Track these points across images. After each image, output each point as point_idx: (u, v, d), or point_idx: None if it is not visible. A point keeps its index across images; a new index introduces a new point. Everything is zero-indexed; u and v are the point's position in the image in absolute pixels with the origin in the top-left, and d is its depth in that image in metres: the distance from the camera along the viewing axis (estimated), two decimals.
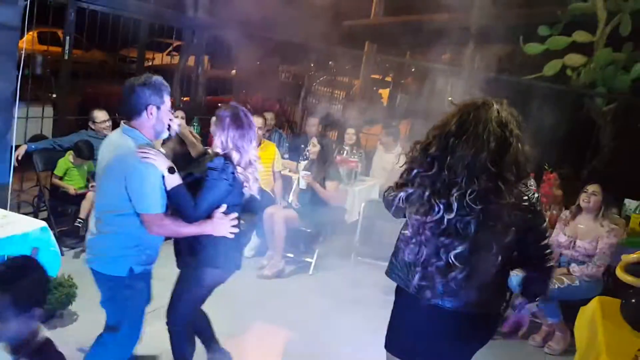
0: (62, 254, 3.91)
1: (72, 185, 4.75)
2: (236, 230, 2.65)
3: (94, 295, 3.64)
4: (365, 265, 4.94)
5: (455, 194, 1.85)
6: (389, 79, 13.40)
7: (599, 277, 4.06)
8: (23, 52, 4.07)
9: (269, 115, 6.19)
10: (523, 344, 4.18)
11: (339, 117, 7.11)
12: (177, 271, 2.84)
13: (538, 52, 6.83)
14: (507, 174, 1.86)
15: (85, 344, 3.25)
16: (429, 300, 2.01)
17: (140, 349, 2.81)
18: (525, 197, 2.00)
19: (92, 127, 5.07)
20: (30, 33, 4.52)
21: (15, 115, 3.98)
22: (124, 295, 2.53)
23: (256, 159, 2.77)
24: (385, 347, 2.27)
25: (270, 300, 4.24)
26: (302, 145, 5.99)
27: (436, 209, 1.89)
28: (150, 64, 7.13)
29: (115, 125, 5.30)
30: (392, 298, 2.27)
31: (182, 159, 2.96)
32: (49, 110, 5.67)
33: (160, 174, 2.41)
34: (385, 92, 13.27)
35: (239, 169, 2.65)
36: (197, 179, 2.64)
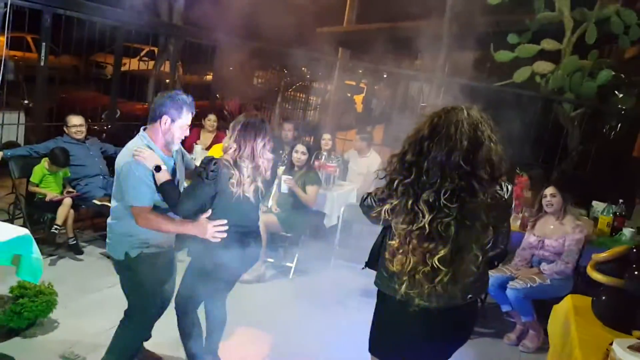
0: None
1: (49, 191, 4.73)
2: (223, 235, 2.74)
3: (74, 302, 3.64)
4: (344, 269, 4.99)
5: (432, 194, 1.90)
6: (362, 85, 13.56)
7: (569, 274, 4.20)
8: (2, 57, 4.02)
9: None
10: (498, 343, 4.30)
11: (314, 122, 7.18)
12: None
13: (508, 59, 7.00)
14: (480, 172, 1.90)
15: (67, 352, 3.26)
16: (417, 306, 2.04)
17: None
18: (500, 196, 2.06)
19: (66, 131, 5.06)
20: (0, 38, 4.48)
21: None
22: (127, 277, 2.85)
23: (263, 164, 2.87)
24: (370, 350, 2.31)
25: (251, 304, 4.26)
26: (280, 151, 6.02)
27: (420, 215, 1.92)
28: (124, 69, 7.08)
29: (88, 131, 5.30)
30: (371, 300, 2.31)
31: None
32: (22, 117, 5.61)
33: (149, 171, 2.64)
34: (359, 98, 13.41)
35: (236, 172, 2.75)
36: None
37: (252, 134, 2.79)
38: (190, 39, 7.44)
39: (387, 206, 2.03)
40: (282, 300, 4.47)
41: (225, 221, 2.74)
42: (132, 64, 8.94)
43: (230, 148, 2.80)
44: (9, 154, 4.70)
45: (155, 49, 8.22)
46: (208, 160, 2.73)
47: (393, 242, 2.05)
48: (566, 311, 3.02)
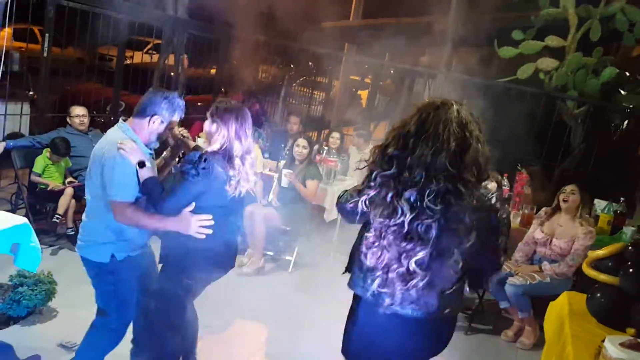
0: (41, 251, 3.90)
1: (51, 181, 4.77)
2: (208, 231, 2.58)
3: (73, 291, 3.67)
4: (343, 263, 4.99)
5: (415, 195, 1.83)
6: (368, 80, 13.54)
7: (569, 275, 4.19)
8: (3, 49, 4.05)
9: None
10: (495, 340, 4.31)
11: (318, 117, 7.17)
12: None
13: (512, 55, 6.97)
14: (466, 175, 1.83)
15: (65, 341, 3.29)
16: (387, 308, 1.96)
17: None
18: (487, 200, 1.96)
19: (69, 122, 5.10)
20: (5, 30, 4.51)
21: None
22: (108, 281, 2.65)
23: (250, 156, 2.75)
24: (342, 352, 2.25)
25: (251, 297, 4.28)
26: (282, 145, 6.05)
27: (399, 211, 1.85)
28: (129, 62, 7.11)
29: (92, 123, 5.35)
30: None
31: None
32: (26, 108, 5.64)
33: (133, 166, 2.52)
34: (364, 93, 13.40)
35: (228, 166, 2.59)
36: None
37: (237, 120, 2.65)
38: (195, 33, 7.46)
39: (364, 197, 1.96)
40: (281, 293, 4.49)
41: (210, 216, 2.58)
42: (138, 57, 8.97)
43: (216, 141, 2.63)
44: (11, 144, 4.74)
45: (161, 42, 8.23)
46: (198, 156, 2.53)
47: (369, 234, 1.97)
48: (561, 308, 3.03)
